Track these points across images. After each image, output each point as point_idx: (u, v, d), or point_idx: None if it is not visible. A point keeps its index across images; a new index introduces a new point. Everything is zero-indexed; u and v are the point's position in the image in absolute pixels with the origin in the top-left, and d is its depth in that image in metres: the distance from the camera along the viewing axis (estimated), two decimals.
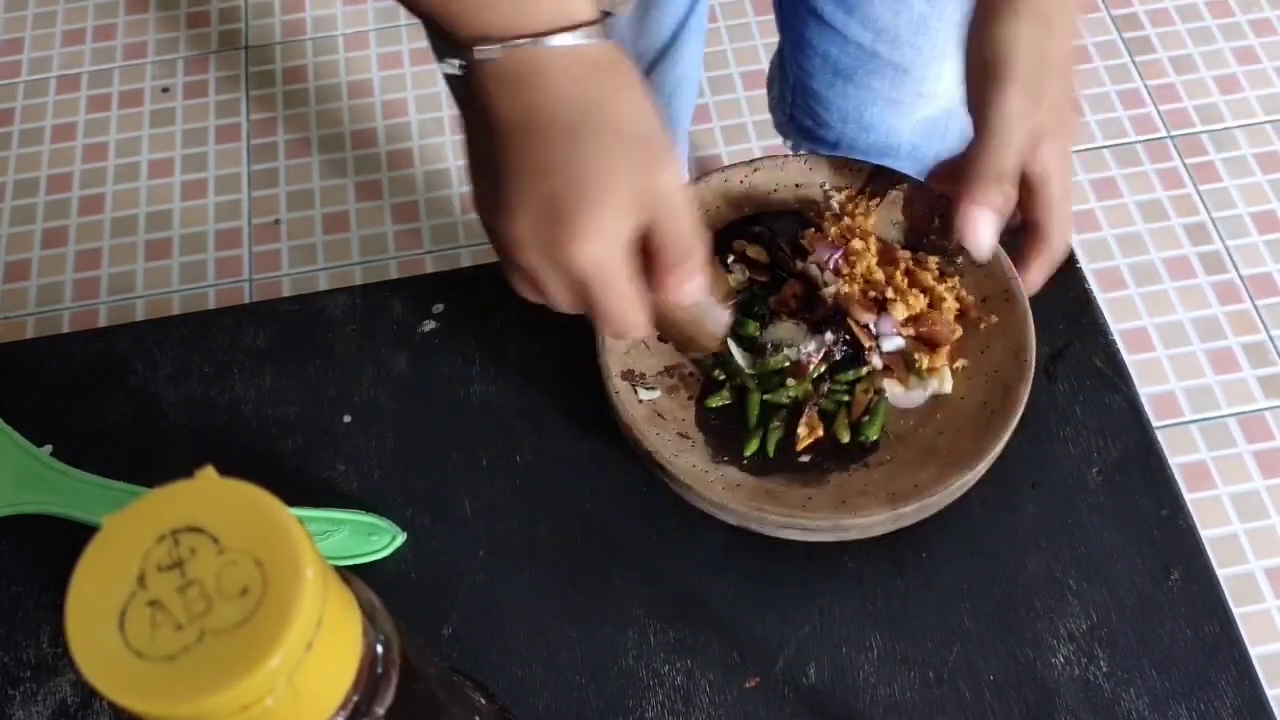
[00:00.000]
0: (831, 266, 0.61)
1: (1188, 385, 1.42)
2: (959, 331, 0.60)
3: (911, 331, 0.60)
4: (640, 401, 0.59)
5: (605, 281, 0.48)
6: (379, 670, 0.28)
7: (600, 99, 0.47)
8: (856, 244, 0.62)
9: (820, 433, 0.59)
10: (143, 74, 1.74)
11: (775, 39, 1.00)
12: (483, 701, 0.40)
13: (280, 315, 0.68)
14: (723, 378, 0.60)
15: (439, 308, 0.67)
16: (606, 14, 0.48)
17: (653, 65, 0.90)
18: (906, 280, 0.61)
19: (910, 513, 0.55)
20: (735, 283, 0.62)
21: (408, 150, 1.65)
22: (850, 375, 0.59)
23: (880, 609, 0.57)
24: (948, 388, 0.59)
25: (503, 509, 0.61)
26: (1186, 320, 1.47)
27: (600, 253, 0.47)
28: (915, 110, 0.94)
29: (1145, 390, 1.39)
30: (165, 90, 1.72)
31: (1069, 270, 0.65)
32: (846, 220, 0.63)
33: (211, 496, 0.25)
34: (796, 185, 0.65)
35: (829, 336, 0.59)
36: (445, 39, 0.48)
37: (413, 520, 0.60)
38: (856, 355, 0.60)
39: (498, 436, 0.63)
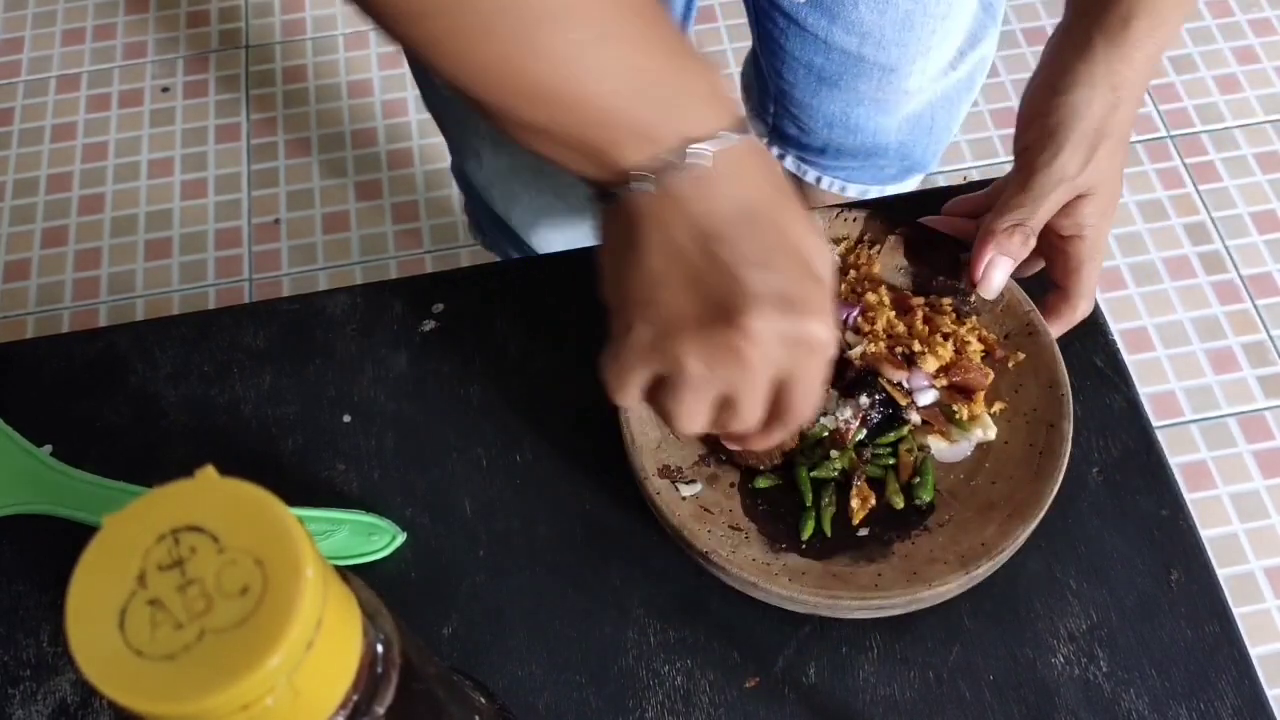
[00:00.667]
0: (851, 325, 0.60)
1: (1188, 385, 1.42)
2: (991, 375, 0.59)
3: (944, 381, 0.59)
4: (684, 499, 0.57)
5: (807, 364, 0.46)
6: (379, 670, 0.28)
7: (778, 190, 0.46)
8: (871, 297, 0.61)
9: (873, 502, 0.57)
10: (142, 73, 1.74)
11: None
12: (483, 701, 0.40)
13: (280, 315, 0.67)
14: None
15: (439, 307, 0.67)
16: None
17: None
18: (927, 328, 0.60)
19: (982, 572, 0.54)
20: None
21: (408, 150, 1.65)
22: (891, 436, 0.58)
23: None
24: (991, 434, 0.59)
25: (503, 509, 0.61)
26: (1186, 320, 1.47)
27: (828, 331, 0.45)
28: (901, 108, 0.94)
29: (1145, 390, 1.39)
30: (165, 90, 1.72)
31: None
32: (853, 273, 0.62)
33: (211, 496, 0.25)
34: None
35: (864, 400, 0.58)
36: (609, 167, 0.44)
37: (413, 520, 0.60)
38: (894, 415, 0.58)
39: (498, 436, 0.63)
